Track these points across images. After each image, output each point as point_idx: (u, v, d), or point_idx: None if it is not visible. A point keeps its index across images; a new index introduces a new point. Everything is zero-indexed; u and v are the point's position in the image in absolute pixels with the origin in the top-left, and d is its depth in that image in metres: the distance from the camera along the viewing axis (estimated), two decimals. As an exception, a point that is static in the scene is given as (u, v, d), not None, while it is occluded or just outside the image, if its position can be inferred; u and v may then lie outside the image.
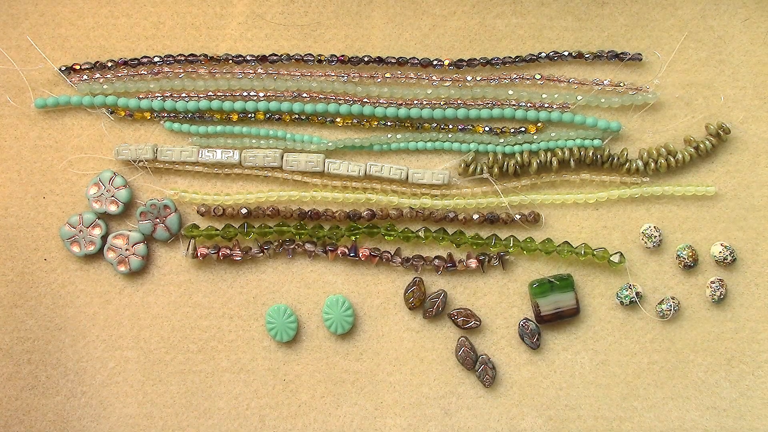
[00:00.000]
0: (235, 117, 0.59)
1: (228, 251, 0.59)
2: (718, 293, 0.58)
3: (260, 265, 0.60)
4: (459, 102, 0.59)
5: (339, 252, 0.59)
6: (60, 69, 0.59)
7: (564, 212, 0.59)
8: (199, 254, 0.58)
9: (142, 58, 0.59)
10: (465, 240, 0.58)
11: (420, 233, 0.58)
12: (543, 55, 0.59)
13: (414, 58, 0.59)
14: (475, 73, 0.59)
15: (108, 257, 0.59)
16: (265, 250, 0.59)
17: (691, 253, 0.58)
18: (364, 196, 0.59)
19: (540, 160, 0.58)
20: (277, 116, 0.59)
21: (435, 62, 0.58)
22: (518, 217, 0.58)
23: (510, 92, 0.59)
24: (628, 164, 0.58)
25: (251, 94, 0.59)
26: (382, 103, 0.59)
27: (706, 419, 0.58)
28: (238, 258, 0.59)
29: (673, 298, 0.58)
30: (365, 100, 0.59)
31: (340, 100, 0.59)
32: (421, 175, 0.58)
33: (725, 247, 0.58)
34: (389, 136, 0.59)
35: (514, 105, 0.59)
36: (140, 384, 0.59)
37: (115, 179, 0.58)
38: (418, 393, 0.59)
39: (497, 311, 0.59)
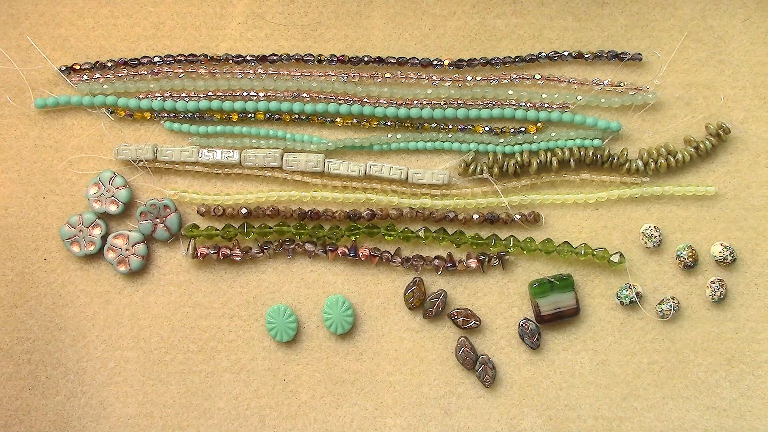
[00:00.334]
0: (235, 117, 0.59)
1: (228, 251, 0.59)
2: (718, 293, 0.58)
3: (260, 265, 0.60)
4: (459, 102, 0.59)
5: (339, 252, 0.59)
6: (60, 69, 0.59)
7: (564, 212, 0.59)
8: (199, 254, 0.58)
9: (142, 58, 0.59)
10: (465, 240, 0.58)
11: (420, 233, 0.58)
12: (543, 55, 0.59)
13: (414, 58, 0.59)
14: (475, 73, 0.59)
15: (108, 257, 0.59)
16: (265, 250, 0.59)
17: (691, 253, 0.58)
18: (364, 196, 0.59)
19: (540, 160, 0.58)
20: (277, 116, 0.59)
21: (435, 62, 0.58)
22: (518, 217, 0.58)
23: (510, 92, 0.59)
24: (628, 164, 0.58)
25: (251, 94, 0.59)
26: (382, 103, 0.59)
27: (706, 419, 0.58)
28: (238, 258, 0.59)
29: (673, 298, 0.58)
30: (365, 100, 0.59)
31: (340, 100, 0.59)
32: (421, 175, 0.58)
33: (725, 247, 0.58)
34: (389, 136, 0.59)
35: (514, 105, 0.59)
36: (140, 384, 0.59)
37: (115, 179, 0.58)
38: (418, 393, 0.59)
39: (497, 311, 0.59)
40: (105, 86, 0.59)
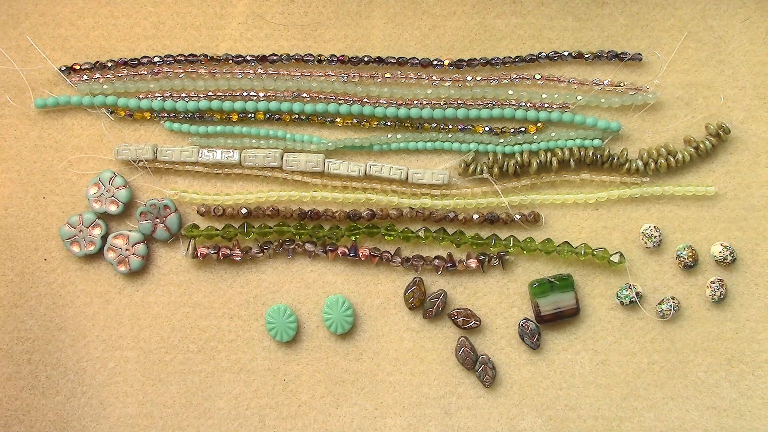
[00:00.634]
0: (235, 117, 0.59)
1: (228, 251, 0.59)
2: (718, 293, 0.58)
3: (260, 265, 0.60)
4: (459, 102, 0.59)
5: (339, 252, 0.59)
6: (60, 69, 0.59)
7: (564, 212, 0.59)
8: (199, 254, 0.58)
9: (142, 58, 0.59)
10: (465, 240, 0.58)
11: (420, 233, 0.58)
12: (543, 55, 0.59)
13: (414, 58, 0.59)
14: (475, 73, 0.59)
15: (108, 257, 0.59)
16: (265, 250, 0.59)
17: (691, 253, 0.58)
18: (364, 196, 0.59)
19: (540, 160, 0.58)
20: (277, 116, 0.59)
21: (435, 62, 0.58)
22: (518, 217, 0.58)
23: (510, 92, 0.59)
24: (628, 164, 0.58)
25: (251, 94, 0.59)
26: (382, 103, 0.59)
27: (706, 419, 0.58)
28: (238, 258, 0.59)
29: (673, 298, 0.58)
30: (365, 100, 0.59)
31: (340, 100, 0.59)
32: (421, 175, 0.58)
33: (725, 247, 0.58)
34: (389, 136, 0.59)
35: (514, 105, 0.59)
36: (140, 384, 0.59)
37: (115, 179, 0.58)
38: (418, 393, 0.59)
39: (497, 311, 0.59)
40: (105, 86, 0.59)
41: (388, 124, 0.59)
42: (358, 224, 0.59)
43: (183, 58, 0.59)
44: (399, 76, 0.59)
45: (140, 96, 0.60)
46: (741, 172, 0.59)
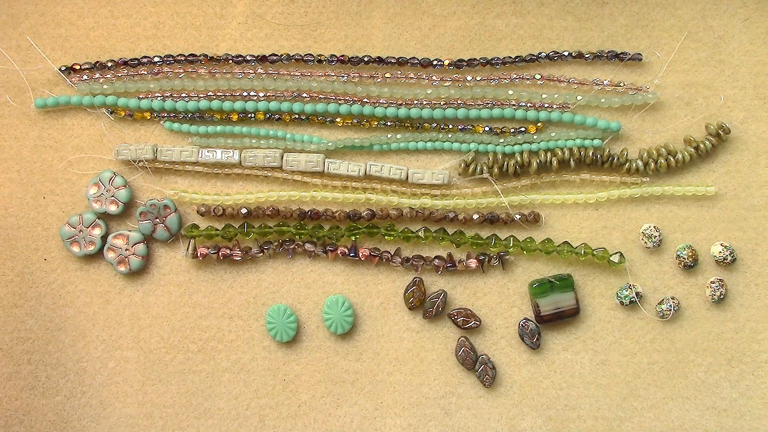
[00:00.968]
0: (235, 117, 0.59)
1: (228, 251, 0.59)
2: (718, 293, 0.58)
3: (260, 265, 0.60)
4: (459, 102, 0.59)
5: (339, 252, 0.59)
6: (60, 69, 0.59)
7: (564, 212, 0.59)
8: (199, 254, 0.58)
9: (142, 58, 0.59)
10: (465, 240, 0.58)
11: (420, 233, 0.58)
12: (543, 55, 0.59)
13: (414, 58, 0.59)
14: (475, 73, 0.59)
15: (108, 257, 0.59)
16: (265, 250, 0.59)
17: (691, 253, 0.58)
18: (364, 196, 0.59)
19: (540, 160, 0.58)
20: (277, 116, 0.59)
21: (435, 62, 0.58)
22: (518, 217, 0.58)
23: (510, 92, 0.59)
24: (628, 164, 0.58)
25: (251, 94, 0.59)
26: (382, 103, 0.59)
27: (706, 419, 0.58)
28: (238, 258, 0.59)
29: (673, 298, 0.58)
30: (365, 100, 0.59)
31: (340, 100, 0.59)
32: (421, 175, 0.58)
33: (725, 247, 0.58)
34: (389, 136, 0.59)
35: (514, 105, 0.59)
36: (140, 384, 0.59)
37: (115, 179, 0.58)
38: (418, 393, 0.59)
39: (497, 311, 0.59)
40: (105, 86, 0.59)
41: (388, 124, 0.59)
42: (358, 224, 0.59)
43: (183, 58, 0.59)
44: (399, 76, 0.59)
45: (140, 96, 0.60)
46: (741, 172, 0.59)
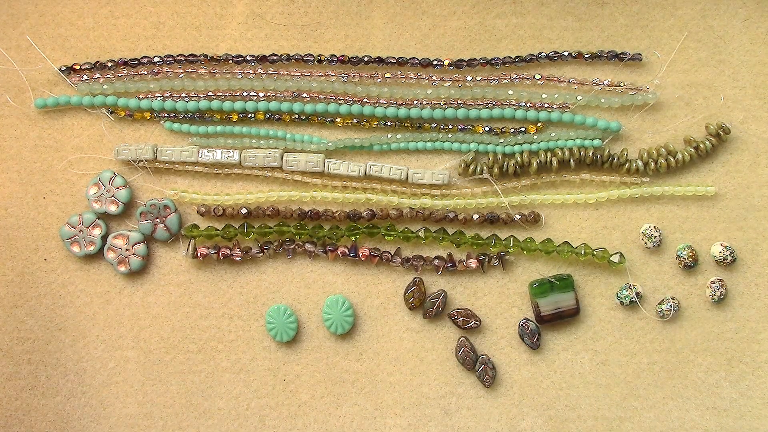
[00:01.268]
0: (235, 117, 0.59)
1: (228, 251, 0.59)
2: (718, 293, 0.58)
3: (260, 265, 0.60)
4: (459, 102, 0.59)
5: (339, 252, 0.59)
6: (60, 69, 0.59)
7: (564, 212, 0.59)
8: (199, 254, 0.58)
9: (142, 58, 0.59)
10: (465, 240, 0.58)
11: (420, 233, 0.58)
12: (543, 55, 0.59)
13: (414, 58, 0.59)
14: (475, 73, 0.59)
15: (108, 257, 0.59)
16: (265, 250, 0.59)
17: (691, 253, 0.58)
18: (364, 196, 0.59)
19: (540, 160, 0.58)
20: (277, 116, 0.59)
21: (435, 62, 0.58)
22: (518, 217, 0.58)
23: (510, 92, 0.59)
24: (628, 164, 0.58)
25: (251, 94, 0.59)
26: (382, 103, 0.59)
27: (706, 419, 0.58)
28: (238, 258, 0.59)
29: (673, 298, 0.58)
30: (365, 100, 0.59)
31: (340, 100, 0.59)
32: (421, 175, 0.58)
33: (725, 247, 0.58)
34: (389, 136, 0.59)
35: (514, 105, 0.59)
36: (140, 384, 0.59)
37: (115, 179, 0.58)
38: (418, 393, 0.59)
39: (497, 311, 0.59)
40: (105, 86, 0.59)
41: (388, 124, 0.59)
42: (358, 224, 0.59)
43: (183, 58, 0.59)
44: (399, 76, 0.59)
45: (140, 96, 0.60)
46: (741, 172, 0.59)
